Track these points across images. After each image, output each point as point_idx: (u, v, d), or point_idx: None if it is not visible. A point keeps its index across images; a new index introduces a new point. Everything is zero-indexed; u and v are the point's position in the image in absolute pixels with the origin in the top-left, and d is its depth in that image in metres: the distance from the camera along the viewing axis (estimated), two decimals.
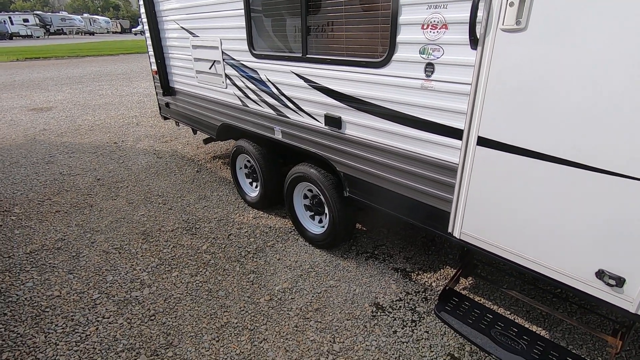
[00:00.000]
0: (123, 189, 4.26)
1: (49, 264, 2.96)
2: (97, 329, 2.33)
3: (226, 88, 3.45)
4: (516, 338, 1.94)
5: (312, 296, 2.59)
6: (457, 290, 2.46)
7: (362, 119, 2.33)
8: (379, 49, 2.15)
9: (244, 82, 3.21)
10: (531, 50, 1.50)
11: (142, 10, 4.13)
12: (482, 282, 2.69)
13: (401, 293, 2.61)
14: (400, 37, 1.97)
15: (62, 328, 2.34)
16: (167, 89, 4.47)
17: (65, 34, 47.27)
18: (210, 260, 3.00)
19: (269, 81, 2.94)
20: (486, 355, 2.11)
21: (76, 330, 2.32)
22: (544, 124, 1.54)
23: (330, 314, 2.44)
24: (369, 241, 3.23)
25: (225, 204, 3.90)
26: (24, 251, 3.12)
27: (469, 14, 1.63)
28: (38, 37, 40.75)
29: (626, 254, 1.47)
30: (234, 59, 3.22)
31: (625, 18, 1.27)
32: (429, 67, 1.88)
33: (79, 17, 52.13)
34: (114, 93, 9.93)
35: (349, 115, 2.41)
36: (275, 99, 2.95)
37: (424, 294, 2.61)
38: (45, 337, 2.28)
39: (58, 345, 2.22)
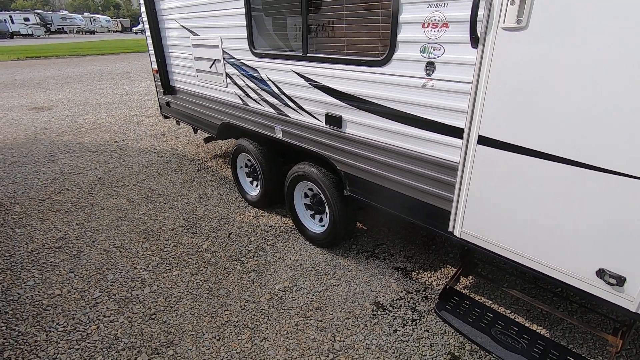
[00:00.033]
0: (124, 188, 4.27)
1: (50, 262, 2.96)
2: (98, 327, 2.34)
3: (227, 87, 3.45)
4: (516, 337, 1.94)
5: (313, 295, 2.59)
6: (458, 289, 2.46)
7: (362, 118, 2.33)
8: (379, 48, 2.15)
9: (244, 81, 3.21)
10: (532, 49, 1.49)
11: (143, 9, 4.13)
12: (482, 281, 2.69)
13: (402, 292, 2.61)
14: (400, 36, 1.96)
15: (63, 326, 2.35)
16: (167, 87, 4.47)
17: (66, 33, 47.29)
18: (210, 259, 3.00)
19: (270, 80, 2.94)
20: (486, 354, 2.11)
21: (77, 329, 2.33)
22: (545, 122, 1.54)
23: (331, 312, 2.44)
24: (370, 240, 3.23)
25: (226, 203, 3.91)
26: (25, 250, 3.12)
27: (469, 13, 1.63)
28: (39, 36, 40.77)
29: (626, 253, 1.47)
30: (234, 58, 3.21)
31: (626, 18, 1.26)
32: (430, 66, 1.88)
33: (79, 16, 52.15)
34: (114, 92, 9.93)
35: (349, 114, 2.41)
36: (276, 98, 2.95)
37: (424, 292, 2.61)
38: (47, 335, 2.28)
39: (59, 343, 2.23)
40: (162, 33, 4.16)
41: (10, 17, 39.78)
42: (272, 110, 3.05)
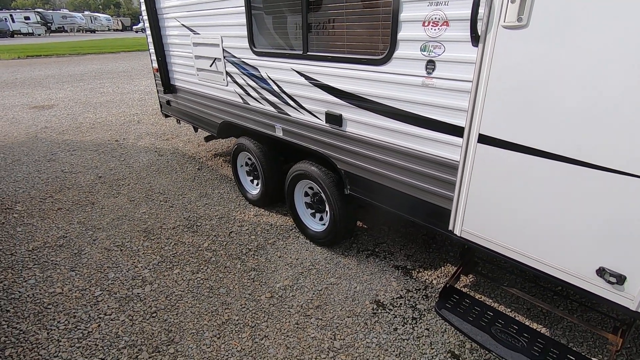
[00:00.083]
0: (124, 187, 4.27)
1: (51, 261, 2.97)
2: (99, 325, 2.35)
3: (227, 86, 3.45)
4: (517, 335, 1.94)
5: (313, 293, 2.60)
6: (458, 287, 2.46)
7: (363, 117, 2.33)
8: (380, 47, 2.15)
9: (244, 80, 3.21)
10: (533, 47, 1.49)
11: (143, 7, 4.13)
12: (482, 280, 2.70)
13: (402, 290, 2.62)
14: (401, 35, 1.96)
15: (64, 325, 2.35)
16: (168, 86, 4.47)
17: (66, 31, 47.30)
18: (211, 257, 3.01)
19: (270, 79, 2.94)
20: (486, 352, 2.11)
21: (78, 327, 2.33)
22: (545, 121, 1.53)
23: (331, 311, 2.44)
24: (370, 239, 3.23)
25: (227, 202, 3.91)
26: (26, 248, 3.13)
27: (470, 11, 1.63)
28: (39, 34, 40.79)
29: (627, 251, 1.46)
30: (234, 57, 3.21)
31: (627, 16, 1.26)
32: (430, 65, 1.88)
33: (80, 14, 52.16)
34: (115, 91, 9.93)
35: (349, 113, 2.41)
36: (276, 97, 2.95)
37: (424, 291, 2.61)
38: (48, 333, 2.29)
39: (60, 342, 2.23)
40: (162, 32, 4.15)
41: (11, 15, 39.79)
42: (272, 109, 3.05)
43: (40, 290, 2.65)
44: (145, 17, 4.14)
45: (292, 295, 2.58)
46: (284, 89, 2.85)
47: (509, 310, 2.44)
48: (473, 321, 2.03)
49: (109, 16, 63.16)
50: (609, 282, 1.53)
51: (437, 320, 2.35)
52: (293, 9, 2.62)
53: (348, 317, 2.39)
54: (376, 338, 2.24)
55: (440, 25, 1.78)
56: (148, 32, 4.27)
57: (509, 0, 1.51)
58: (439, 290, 2.57)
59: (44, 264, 2.93)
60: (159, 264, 2.93)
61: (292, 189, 3.17)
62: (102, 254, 3.06)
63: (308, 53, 2.54)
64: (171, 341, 2.23)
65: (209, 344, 2.21)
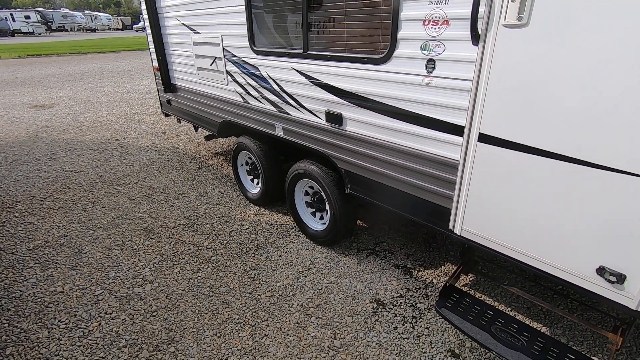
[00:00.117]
0: (125, 186, 4.28)
1: (52, 260, 2.98)
2: (99, 324, 2.35)
3: (227, 85, 3.45)
4: (516, 334, 1.94)
5: (313, 292, 2.60)
6: (458, 286, 2.46)
7: (363, 116, 2.33)
8: (380, 45, 2.15)
9: (245, 79, 3.21)
10: (533, 46, 1.49)
11: (143, 6, 4.13)
12: (482, 279, 2.70)
13: (402, 289, 2.62)
14: (401, 33, 1.96)
15: (65, 324, 2.36)
16: (168, 85, 4.47)
17: (66, 30, 47.29)
18: (211, 256, 3.01)
19: (270, 78, 2.94)
20: (487, 351, 2.12)
21: (79, 326, 2.34)
22: (546, 120, 1.53)
23: (331, 310, 2.45)
24: (370, 238, 3.23)
25: (227, 201, 3.91)
26: (27, 247, 3.14)
27: (470, 10, 1.63)
28: (40, 34, 40.78)
29: (627, 250, 1.46)
30: (235, 56, 3.21)
31: (628, 16, 1.26)
32: (430, 64, 1.88)
33: (80, 13, 52.16)
34: (115, 90, 9.94)
35: (350, 112, 2.41)
36: (276, 96, 2.95)
37: (424, 290, 2.61)
38: (49, 332, 2.30)
39: (61, 340, 2.24)
40: (162, 31, 4.15)
41: (11, 14, 39.79)
42: (272, 108, 3.05)
43: (41, 289, 2.66)
44: (146, 16, 4.14)
45: (293, 294, 2.59)
46: (284, 88, 2.85)
47: (509, 309, 2.44)
48: (473, 320, 2.03)
49: (110, 15, 63.15)
50: (609, 281, 1.53)
51: (437, 319, 2.35)
52: (293, 8, 2.62)
53: (348, 316, 2.39)
54: (376, 337, 2.24)
55: (441, 24, 1.78)
56: (148, 31, 4.27)
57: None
58: (439, 289, 2.57)
59: (45, 263, 2.93)
60: (160, 262, 2.93)
61: (293, 188, 3.17)
62: (103, 252, 3.06)
63: (308, 52, 2.53)
64: (172, 340, 2.24)
65: (210, 342, 2.22)
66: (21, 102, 8.52)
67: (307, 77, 2.61)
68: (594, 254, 1.55)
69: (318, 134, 2.72)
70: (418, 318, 2.37)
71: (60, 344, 2.22)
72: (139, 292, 2.62)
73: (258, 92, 3.12)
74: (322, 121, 2.63)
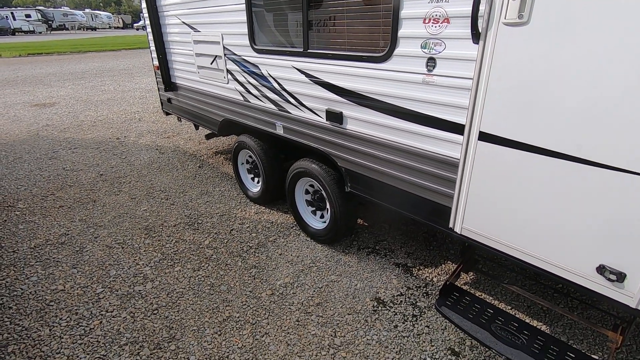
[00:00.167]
0: (126, 185, 4.28)
1: (53, 258, 2.98)
2: (100, 322, 2.36)
3: (228, 83, 3.45)
4: (516, 333, 1.95)
5: (314, 291, 2.61)
6: (458, 285, 2.46)
7: (363, 114, 2.32)
8: (380, 44, 2.14)
9: (245, 78, 3.21)
10: (533, 44, 1.49)
11: (144, 5, 4.12)
12: (483, 277, 2.70)
13: (402, 288, 2.62)
14: (401, 32, 1.96)
15: (67, 322, 2.37)
16: (168, 84, 4.47)
17: (67, 29, 47.29)
18: (212, 255, 3.01)
19: (270, 76, 2.93)
20: (487, 349, 2.12)
21: (80, 324, 2.35)
22: (546, 118, 1.53)
23: (332, 308, 2.45)
24: (371, 236, 3.24)
25: (227, 200, 3.92)
26: (28, 246, 3.15)
27: (470, 8, 1.62)
28: (40, 32, 40.78)
29: (627, 249, 1.46)
30: (235, 54, 3.21)
31: (628, 16, 1.25)
32: (431, 62, 1.87)
33: (80, 12, 52.13)
34: (116, 89, 9.94)
35: (350, 111, 2.40)
36: (277, 94, 2.95)
37: (425, 288, 2.62)
38: (50, 330, 2.31)
39: (62, 338, 2.25)
40: (163, 29, 4.15)
41: (12, 13, 39.79)
42: (272, 106, 3.04)
43: (42, 287, 2.67)
44: (146, 15, 4.14)
45: (293, 293, 2.59)
46: (285, 87, 2.84)
47: (509, 307, 2.44)
48: (473, 318, 2.04)
49: (110, 14, 63.12)
50: (609, 279, 1.53)
51: (437, 318, 2.36)
52: (294, 7, 2.62)
53: (348, 315, 2.40)
54: (376, 335, 2.24)
55: (441, 23, 1.77)
56: (149, 29, 4.27)
57: None
58: (440, 287, 2.57)
59: (46, 262, 2.94)
60: (160, 261, 2.94)
61: (293, 186, 3.17)
62: (104, 251, 3.07)
63: (308, 50, 2.53)
64: (172, 338, 2.24)
65: (210, 340, 2.22)
66: (22, 101, 8.52)
67: (307, 75, 2.60)
68: (594, 252, 1.55)
69: (318, 133, 2.72)
70: (418, 316, 2.38)
71: (62, 342, 2.22)
72: (139, 291, 2.62)
73: (258, 90, 3.12)
74: (322, 120, 2.63)
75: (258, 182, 3.81)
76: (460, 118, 1.84)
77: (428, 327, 2.30)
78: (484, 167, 1.80)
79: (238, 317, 2.39)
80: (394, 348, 2.15)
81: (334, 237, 2.99)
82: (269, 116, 3.14)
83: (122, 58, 17.30)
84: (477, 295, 2.46)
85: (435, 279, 2.70)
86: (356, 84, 2.29)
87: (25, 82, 11.05)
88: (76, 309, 2.46)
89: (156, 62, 4.42)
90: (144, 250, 3.07)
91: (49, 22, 44.06)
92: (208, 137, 4.92)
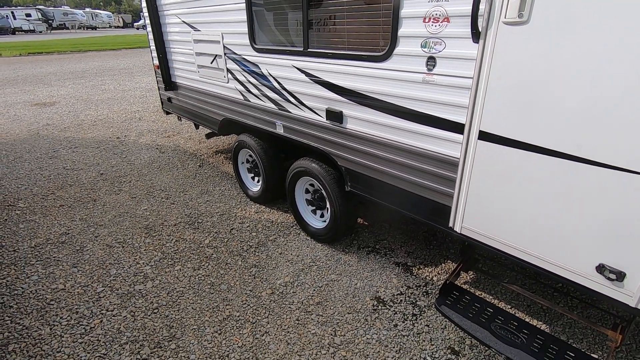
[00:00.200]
0: (126, 184, 4.29)
1: (54, 257, 2.99)
2: (101, 321, 2.36)
3: (228, 82, 3.45)
4: (516, 332, 1.95)
5: (314, 290, 2.61)
6: (458, 284, 2.46)
7: (363, 113, 2.32)
8: (380, 43, 2.14)
9: (245, 77, 3.21)
10: (533, 43, 1.48)
11: (144, 4, 4.12)
12: (483, 277, 2.70)
13: (402, 287, 2.62)
14: (401, 31, 1.96)
15: (67, 320, 2.37)
16: (169, 83, 4.47)
17: (67, 28, 47.26)
18: (212, 254, 3.02)
19: (271, 75, 2.93)
20: (486, 348, 2.12)
21: (81, 323, 2.35)
22: (546, 118, 1.53)
23: (332, 307, 2.46)
24: (371, 235, 3.24)
25: (228, 199, 3.92)
26: (28, 245, 3.15)
27: (470, 7, 1.62)
28: (40, 31, 40.77)
29: (627, 248, 1.46)
30: (235, 53, 3.21)
31: (628, 15, 1.25)
32: (431, 61, 1.87)
33: (81, 11, 52.10)
34: (116, 88, 9.94)
35: (350, 110, 2.40)
36: (277, 94, 2.95)
37: (424, 288, 2.62)
38: (51, 329, 2.31)
39: (63, 337, 2.25)
40: (163, 28, 4.15)
41: (12, 12, 39.77)
42: (273, 105, 3.04)
43: (42, 286, 2.67)
44: (146, 14, 4.14)
45: (293, 292, 2.59)
46: (285, 86, 2.84)
47: (509, 306, 2.45)
48: (473, 317, 2.04)
49: (110, 13, 63.09)
50: (609, 278, 1.54)
51: (437, 317, 2.36)
52: (294, 6, 2.61)
53: (348, 314, 2.40)
54: (376, 334, 2.25)
55: (441, 22, 1.77)
56: (149, 29, 4.27)
57: None
58: (439, 286, 2.58)
59: (47, 261, 2.95)
60: (161, 260, 2.94)
61: (293, 186, 3.17)
62: (104, 250, 3.07)
63: (309, 50, 2.53)
64: (173, 337, 2.25)
65: (210, 339, 2.23)
66: (22, 100, 8.53)
67: (307, 74, 2.60)
68: (594, 251, 1.55)
69: (318, 132, 2.72)
70: (418, 315, 2.38)
71: (62, 340, 2.23)
72: (140, 290, 2.63)
73: (258, 89, 3.12)
74: (322, 119, 2.63)
75: (258, 182, 3.81)
76: (460, 117, 1.84)
77: (428, 326, 2.30)
78: (484, 166, 1.80)
79: (238, 316, 2.39)
80: (393, 347, 2.16)
81: (334, 236, 2.99)
82: (269, 115, 3.14)
83: (123, 57, 17.30)
84: (477, 294, 2.46)
85: (435, 278, 2.71)
86: (356, 83, 2.29)
87: (26, 81, 11.05)
88: (77, 308, 2.47)
89: (156, 62, 4.42)
90: (145, 250, 3.07)
91: (49, 22, 44.05)
92: (208, 136, 4.93)
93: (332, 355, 2.11)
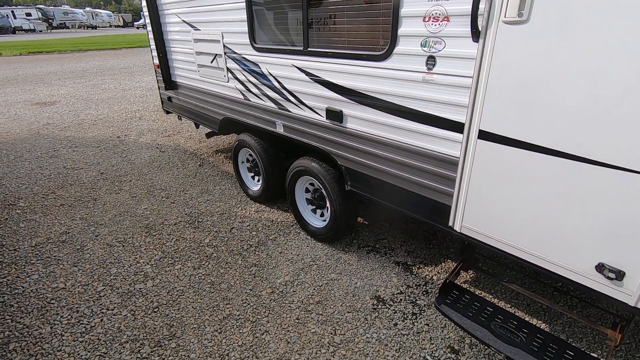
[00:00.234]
0: (126, 183, 4.29)
1: (54, 256, 2.99)
2: (101, 320, 2.37)
3: (228, 82, 3.45)
4: (516, 331, 1.95)
5: (314, 289, 2.61)
6: (458, 283, 2.47)
7: (363, 113, 2.33)
8: (380, 42, 2.14)
9: (245, 76, 3.21)
10: (533, 42, 1.48)
11: (144, 3, 4.12)
12: (482, 276, 2.70)
13: (402, 286, 2.63)
14: (401, 30, 1.96)
15: (68, 319, 2.38)
16: (169, 82, 4.47)
17: (67, 27, 47.24)
18: (212, 253, 3.02)
19: (271, 75, 2.94)
20: (486, 347, 2.12)
21: (81, 322, 2.36)
22: (546, 117, 1.53)
23: (332, 306, 2.46)
24: (371, 235, 3.24)
25: (228, 198, 3.92)
26: (29, 244, 3.16)
27: (470, 6, 1.62)
28: (41, 31, 40.75)
29: (626, 247, 1.47)
30: (235, 53, 3.21)
31: (629, 14, 1.25)
32: (431, 60, 1.87)
33: (81, 11, 52.07)
34: (116, 87, 9.94)
35: (350, 109, 2.41)
36: (277, 93, 2.95)
37: (424, 287, 2.62)
38: (51, 328, 2.32)
39: (63, 336, 2.26)
40: (163, 28, 4.15)
41: (12, 12, 39.76)
42: (273, 105, 3.05)
43: (43, 285, 2.68)
44: (146, 13, 4.14)
45: (293, 291, 2.60)
46: (285, 85, 2.85)
47: (509, 306, 2.45)
48: (473, 316, 2.04)
49: (110, 12, 63.06)
50: (608, 277, 1.54)
51: (437, 316, 2.36)
52: (294, 5, 2.61)
53: (348, 313, 2.40)
54: (376, 333, 2.25)
55: (441, 21, 1.77)
56: (149, 28, 4.27)
57: None
58: (439, 286, 2.58)
59: (47, 260, 2.95)
60: (161, 259, 2.95)
61: (293, 185, 3.17)
62: (105, 249, 3.08)
63: (308, 49, 2.53)
64: (173, 336, 2.25)
65: (210, 338, 2.23)
66: (23, 100, 8.53)
67: (307, 74, 2.60)
68: (594, 250, 1.56)
69: (318, 131, 2.72)
70: (418, 314, 2.38)
71: (63, 339, 2.23)
72: (140, 289, 2.63)
73: (258, 89, 3.12)
74: (322, 118, 2.63)
75: (258, 181, 3.82)
76: (460, 116, 1.84)
77: (428, 325, 2.30)
78: (484, 166, 1.80)
79: (238, 315, 2.40)
80: (393, 346, 2.16)
81: (334, 236, 3.00)
82: (269, 115, 3.14)
83: (123, 57, 17.29)
84: (476, 293, 2.46)
85: (435, 277, 2.71)
86: (356, 83, 2.29)
87: (26, 80, 11.06)
88: (77, 307, 2.47)
89: (156, 61, 4.42)
90: (145, 249, 3.08)
91: (50, 21, 44.02)
92: (208, 135, 4.93)
93: (332, 354, 2.12)
